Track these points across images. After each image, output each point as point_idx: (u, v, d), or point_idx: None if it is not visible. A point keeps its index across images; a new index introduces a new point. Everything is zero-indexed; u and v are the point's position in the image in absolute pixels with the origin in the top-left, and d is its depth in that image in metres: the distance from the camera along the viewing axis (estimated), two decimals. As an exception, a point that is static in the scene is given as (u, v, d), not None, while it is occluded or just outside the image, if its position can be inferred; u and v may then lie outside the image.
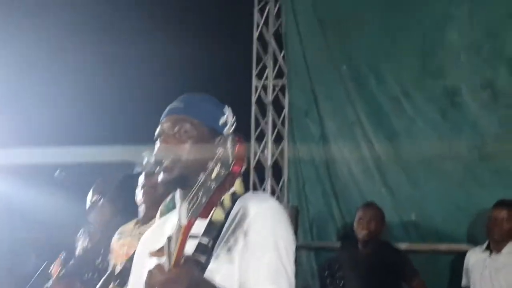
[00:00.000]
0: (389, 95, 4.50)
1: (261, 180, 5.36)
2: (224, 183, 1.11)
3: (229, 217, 1.37)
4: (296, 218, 4.64)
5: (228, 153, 1.12)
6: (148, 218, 2.76)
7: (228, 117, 1.51)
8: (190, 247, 1.38)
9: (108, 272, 2.86)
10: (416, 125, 4.30)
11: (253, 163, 5.35)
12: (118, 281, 2.57)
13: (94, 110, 4.28)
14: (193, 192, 1.12)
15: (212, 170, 1.11)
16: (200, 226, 1.40)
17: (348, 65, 4.82)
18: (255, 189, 5.24)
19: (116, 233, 2.90)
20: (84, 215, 3.21)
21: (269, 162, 5.39)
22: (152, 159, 1.30)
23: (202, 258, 1.34)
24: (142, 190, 2.74)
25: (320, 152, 5.13)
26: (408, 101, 4.35)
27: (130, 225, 2.89)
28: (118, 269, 2.69)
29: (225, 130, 1.49)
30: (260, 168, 5.37)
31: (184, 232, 1.11)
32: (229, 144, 1.39)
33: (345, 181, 4.91)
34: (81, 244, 3.27)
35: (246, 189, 1.53)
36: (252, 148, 5.36)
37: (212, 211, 1.14)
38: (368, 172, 4.71)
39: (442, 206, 4.18)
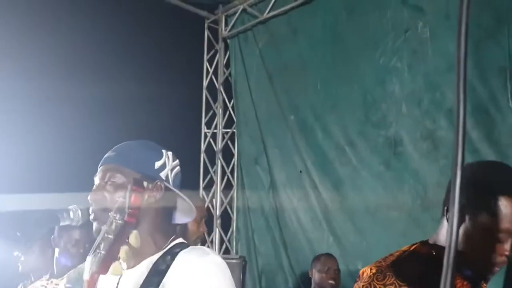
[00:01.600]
0: (334, 144, 4.57)
1: (210, 229, 5.28)
2: (121, 234, 1.08)
3: (169, 270, 1.32)
4: (243, 268, 4.55)
5: (126, 202, 1.09)
6: (63, 271, 2.68)
7: (166, 161, 1.48)
8: None
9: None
10: (360, 174, 4.35)
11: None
12: None
13: (28, 155, 4.15)
14: (96, 245, 1.08)
15: (112, 221, 1.08)
16: (137, 276, 1.35)
17: (295, 114, 4.89)
18: (203, 241, 5.15)
19: None
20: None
21: (218, 211, 5.33)
22: (78, 212, 1.26)
23: None
24: (62, 246, 2.66)
25: (270, 201, 5.12)
26: (353, 150, 4.42)
27: (42, 281, 2.78)
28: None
29: (163, 174, 1.45)
30: (208, 217, 5.30)
31: (89, 287, 1.07)
32: (155, 191, 1.36)
33: (294, 230, 4.90)
34: None
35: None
36: (200, 197, 5.29)
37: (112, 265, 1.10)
38: (316, 220, 4.71)
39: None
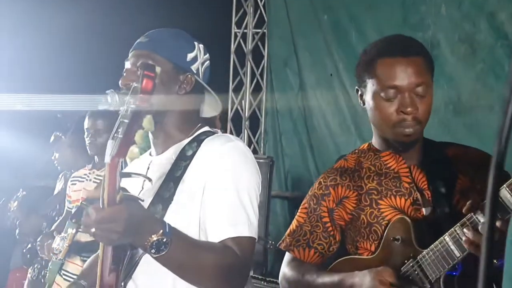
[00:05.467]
0: (368, 46, 4.43)
1: (238, 131, 5.33)
2: (135, 119, 1.08)
3: (194, 157, 1.34)
4: (271, 168, 4.63)
5: (138, 86, 1.09)
6: (103, 163, 2.75)
7: (198, 53, 1.44)
8: (136, 185, 1.35)
9: (64, 214, 2.88)
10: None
11: (230, 114, 5.30)
12: (74, 220, 2.57)
13: (58, 55, 4.16)
14: (115, 130, 1.10)
15: (127, 106, 1.09)
16: (163, 160, 1.38)
17: (328, 15, 4.71)
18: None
19: (70, 179, 2.90)
20: (48, 151, 3.20)
21: (246, 113, 5.34)
22: (115, 96, 1.26)
23: (148, 196, 1.32)
24: (89, 136, 2.72)
25: (298, 104, 5.09)
26: (387, 53, 4.28)
27: (84, 170, 2.87)
28: (73, 211, 2.70)
29: (194, 67, 1.43)
30: (237, 119, 5.33)
31: (110, 171, 1.09)
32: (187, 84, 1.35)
33: (322, 134, 4.90)
34: (57, 186, 3.30)
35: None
36: (229, 99, 5.30)
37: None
38: (345, 124, 4.68)
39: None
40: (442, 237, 1.39)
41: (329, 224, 1.60)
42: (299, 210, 1.69)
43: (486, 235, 0.50)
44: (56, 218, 2.98)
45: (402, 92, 1.48)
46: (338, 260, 1.64)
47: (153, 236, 1.14)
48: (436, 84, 4.26)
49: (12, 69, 4.25)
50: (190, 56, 1.42)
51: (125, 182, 1.31)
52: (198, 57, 1.44)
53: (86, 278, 1.38)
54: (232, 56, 5.31)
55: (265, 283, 3.87)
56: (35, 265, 3.09)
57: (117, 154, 1.07)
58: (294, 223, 1.68)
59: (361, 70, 1.58)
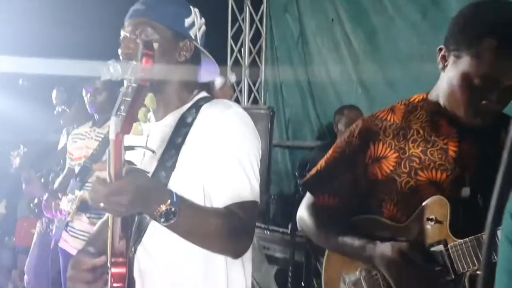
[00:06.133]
0: (370, -9, 4.31)
1: (238, 79, 5.27)
2: (137, 97, 1.09)
3: (194, 124, 1.35)
4: (271, 118, 4.61)
5: (138, 65, 1.08)
6: (103, 120, 2.76)
7: (195, 18, 1.42)
8: (137, 156, 1.35)
9: (66, 171, 2.89)
10: (396, 24, 4.15)
11: (230, 62, 5.23)
12: (78, 178, 2.58)
13: (57, 20, 4.06)
14: (117, 107, 1.10)
15: (128, 84, 1.09)
16: (165, 126, 1.37)
17: (329, -42, 4.57)
18: (232, 88, 5.16)
19: (71, 137, 2.90)
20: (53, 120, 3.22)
21: (246, 61, 5.26)
22: (117, 67, 1.25)
23: (153, 167, 1.33)
24: (88, 95, 2.73)
25: (299, 51, 5.01)
26: (389, -2, 4.18)
27: (85, 128, 2.87)
28: (77, 169, 2.70)
29: (192, 33, 1.40)
30: (236, 67, 5.26)
31: (115, 146, 1.10)
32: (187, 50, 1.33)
33: (323, 82, 4.84)
34: (61, 141, 3.31)
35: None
36: (228, 46, 5.21)
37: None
38: (346, 72, 4.62)
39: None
40: (480, 235, 1.29)
41: (360, 177, 1.48)
42: (331, 153, 1.55)
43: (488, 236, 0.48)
44: (61, 173, 3.02)
45: (498, 89, 1.31)
46: (362, 217, 1.53)
47: (161, 206, 1.17)
48: (439, 30, 4.14)
49: (7, 31, 4.18)
50: (187, 21, 1.40)
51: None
52: (195, 22, 1.42)
53: (94, 245, 1.39)
54: (230, 1, 5.18)
55: (267, 232, 3.94)
56: (43, 219, 3.17)
57: (121, 131, 1.08)
58: (322, 166, 1.56)
59: (460, 35, 1.33)
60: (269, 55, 5.21)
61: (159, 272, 1.34)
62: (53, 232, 2.99)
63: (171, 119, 1.40)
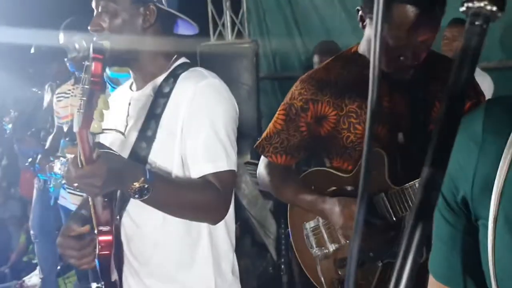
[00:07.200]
0: None
1: (219, 12, 5.14)
2: (91, 98, 1.12)
3: (171, 95, 1.37)
4: (256, 52, 4.56)
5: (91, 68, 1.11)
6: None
7: None
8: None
9: (55, 129, 2.91)
10: None
11: (209, -3, 5.07)
12: (68, 138, 2.61)
13: None
14: (79, 104, 1.15)
15: (81, 86, 1.15)
16: (143, 96, 1.39)
17: None
18: (214, 23, 5.05)
19: (55, 95, 2.90)
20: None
21: (226, -8, 5.11)
22: (83, 42, 1.25)
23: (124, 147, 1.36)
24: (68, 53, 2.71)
25: (280, -23, 4.87)
26: None
27: (68, 86, 2.86)
28: (65, 128, 2.72)
29: None
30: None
31: (80, 139, 1.14)
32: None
33: (306, 8, 4.75)
34: (46, 98, 3.31)
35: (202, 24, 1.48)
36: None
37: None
38: (328, -4, 4.53)
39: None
40: (413, 182, 1.43)
41: (306, 134, 1.62)
42: (276, 116, 1.68)
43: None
44: (51, 130, 3.04)
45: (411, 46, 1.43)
46: (313, 169, 1.70)
47: (135, 183, 1.20)
48: None
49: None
50: None
51: (110, 116, 1.34)
52: None
53: (86, 207, 1.44)
54: None
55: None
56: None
57: (82, 126, 1.12)
58: (271, 129, 1.69)
59: (371, 0, 1.43)
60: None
61: (141, 234, 1.41)
62: (51, 191, 3.06)
63: (150, 88, 1.41)
